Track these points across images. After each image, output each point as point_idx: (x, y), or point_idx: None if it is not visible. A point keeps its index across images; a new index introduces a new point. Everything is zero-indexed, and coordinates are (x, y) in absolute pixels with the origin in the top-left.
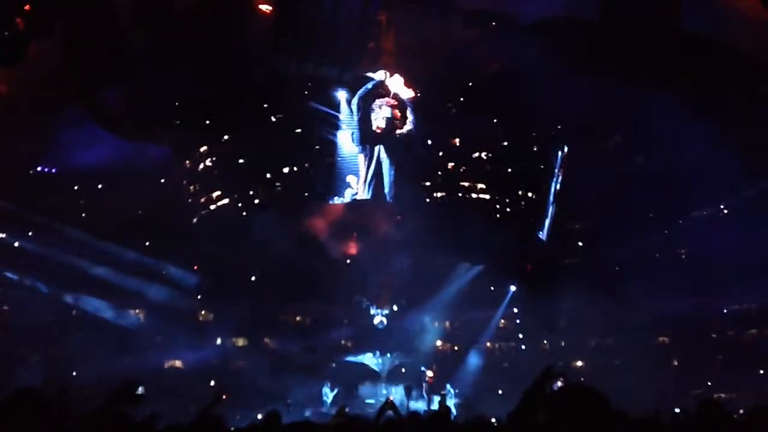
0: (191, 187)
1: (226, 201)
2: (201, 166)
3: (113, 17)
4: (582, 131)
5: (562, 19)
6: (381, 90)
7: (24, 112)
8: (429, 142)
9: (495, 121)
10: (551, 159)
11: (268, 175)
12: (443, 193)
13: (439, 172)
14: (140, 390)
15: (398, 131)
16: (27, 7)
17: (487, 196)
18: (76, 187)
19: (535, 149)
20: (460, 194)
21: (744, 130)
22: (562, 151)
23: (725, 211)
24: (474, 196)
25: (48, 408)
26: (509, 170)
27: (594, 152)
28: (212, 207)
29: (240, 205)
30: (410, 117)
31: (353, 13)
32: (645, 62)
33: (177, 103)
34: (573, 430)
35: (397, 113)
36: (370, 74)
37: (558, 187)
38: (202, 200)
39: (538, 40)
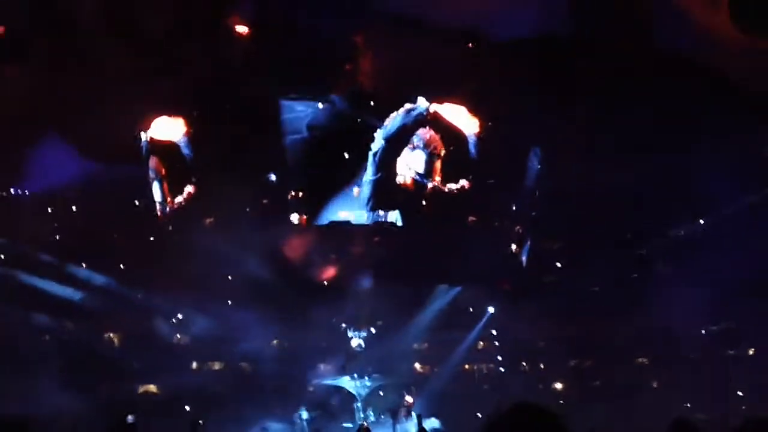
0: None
1: (204, 224)
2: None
3: (89, 39)
4: (558, 150)
5: (538, 39)
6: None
7: None
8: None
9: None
10: (528, 178)
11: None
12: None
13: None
14: (130, 419)
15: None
16: (1, 29)
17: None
18: (49, 209)
19: (511, 168)
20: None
21: (722, 147)
22: (539, 169)
23: (704, 231)
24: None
25: None
26: (487, 190)
27: (571, 171)
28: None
29: (217, 227)
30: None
31: (329, 34)
32: (620, 79)
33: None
34: None
35: (437, 165)
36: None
37: (535, 206)
38: (180, 225)
39: (513, 59)
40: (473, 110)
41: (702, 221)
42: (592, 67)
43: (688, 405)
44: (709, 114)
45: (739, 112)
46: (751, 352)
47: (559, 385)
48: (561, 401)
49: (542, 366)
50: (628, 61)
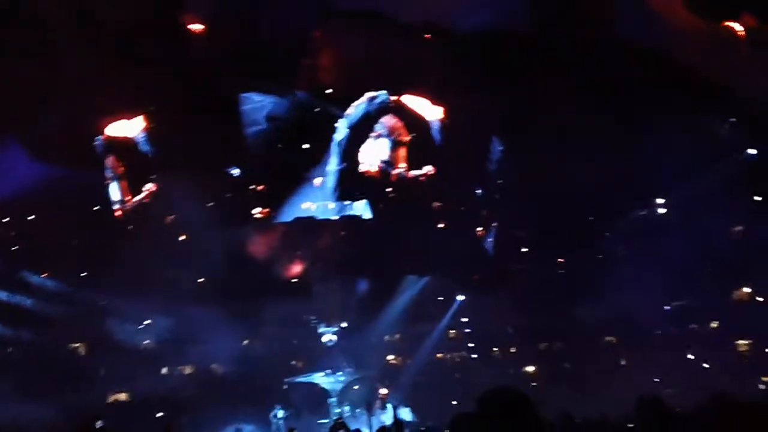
0: (129, 212)
1: (165, 223)
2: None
3: (45, 38)
4: (520, 139)
5: (497, 31)
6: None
7: None
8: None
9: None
10: (491, 164)
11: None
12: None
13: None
14: (99, 424)
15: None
16: None
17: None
18: (6, 219)
19: (474, 154)
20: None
21: (680, 134)
22: (502, 159)
23: (664, 212)
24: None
25: None
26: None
27: (534, 159)
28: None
29: (181, 227)
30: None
31: (288, 30)
32: (582, 69)
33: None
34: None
35: (402, 152)
36: (371, 93)
37: (499, 190)
38: (141, 225)
39: (473, 51)
40: (435, 101)
41: (659, 206)
42: (555, 59)
43: (657, 380)
44: (667, 106)
45: (694, 104)
46: (714, 325)
47: (530, 369)
48: (533, 384)
49: (513, 351)
50: (587, 54)
